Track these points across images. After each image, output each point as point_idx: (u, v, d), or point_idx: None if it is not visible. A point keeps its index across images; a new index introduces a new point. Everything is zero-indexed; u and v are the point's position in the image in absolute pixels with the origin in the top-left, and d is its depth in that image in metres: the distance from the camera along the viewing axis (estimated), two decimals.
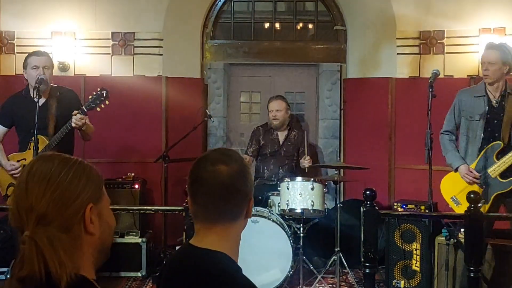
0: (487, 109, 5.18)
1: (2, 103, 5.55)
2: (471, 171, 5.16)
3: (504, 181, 5.08)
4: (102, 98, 5.14)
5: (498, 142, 5.11)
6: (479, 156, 5.17)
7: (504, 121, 5.13)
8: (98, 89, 5.19)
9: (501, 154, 5.10)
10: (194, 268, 1.99)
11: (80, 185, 1.63)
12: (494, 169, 5.09)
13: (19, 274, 1.54)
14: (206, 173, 2.01)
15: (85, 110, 5.15)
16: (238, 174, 2.02)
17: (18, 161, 5.36)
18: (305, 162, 6.65)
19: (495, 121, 5.16)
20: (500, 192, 5.07)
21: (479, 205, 4.93)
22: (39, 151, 5.08)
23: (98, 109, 5.18)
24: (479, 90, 5.28)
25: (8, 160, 5.43)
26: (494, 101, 5.19)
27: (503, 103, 5.17)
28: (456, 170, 5.27)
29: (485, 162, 5.14)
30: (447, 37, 6.95)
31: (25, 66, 5.33)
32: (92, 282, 1.63)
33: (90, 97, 5.18)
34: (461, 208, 5.13)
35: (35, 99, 4.98)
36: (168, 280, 2.09)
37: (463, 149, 5.31)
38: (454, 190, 5.21)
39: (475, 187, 5.14)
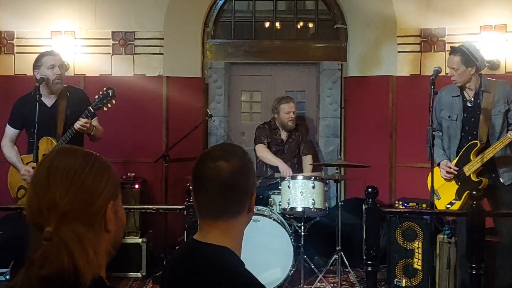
0: (462, 109, 5.27)
1: (13, 105, 5.51)
2: (448, 166, 5.25)
3: (475, 180, 5.14)
4: (109, 98, 5.13)
5: (475, 141, 5.16)
6: (459, 155, 5.25)
7: (480, 119, 5.19)
8: (104, 89, 5.18)
9: (480, 153, 5.14)
10: (197, 262, 1.99)
11: (103, 182, 1.61)
12: (469, 167, 5.16)
13: (40, 273, 1.49)
14: (206, 169, 2.01)
15: (92, 111, 5.14)
16: (238, 170, 2.01)
17: (26, 163, 5.32)
18: None
19: (472, 119, 5.23)
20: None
21: (453, 201, 5.17)
22: (46, 153, 5.05)
23: (105, 108, 5.16)
24: (455, 90, 5.34)
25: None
26: (469, 100, 5.26)
27: (478, 101, 5.23)
28: (438, 165, 5.34)
29: (463, 160, 5.21)
30: (448, 35, 6.91)
31: (37, 66, 5.27)
32: (108, 285, 1.61)
33: (96, 97, 5.17)
34: (440, 202, 5.24)
35: (37, 99, 4.99)
36: (172, 274, 2.09)
37: (446, 148, 5.39)
38: (436, 184, 5.22)
39: (453, 183, 5.26)
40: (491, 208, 5.17)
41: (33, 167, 5.12)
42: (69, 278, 1.49)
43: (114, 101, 5.16)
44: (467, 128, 5.26)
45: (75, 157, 1.61)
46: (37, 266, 1.50)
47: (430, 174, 5.32)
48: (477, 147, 5.14)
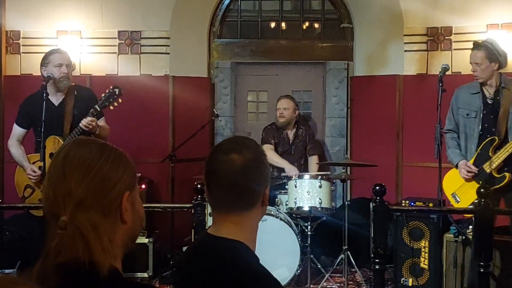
0: (482, 106, 5.21)
1: (20, 104, 5.49)
2: (468, 166, 5.17)
3: (498, 176, 5.08)
4: (115, 96, 5.12)
5: (494, 137, 5.11)
6: (476, 152, 5.18)
7: (499, 116, 5.14)
8: (110, 87, 5.17)
9: (498, 149, 5.09)
10: (210, 257, 1.99)
11: (118, 172, 1.63)
12: (489, 164, 5.09)
13: (56, 261, 1.51)
14: (218, 163, 1.99)
15: (98, 109, 5.13)
16: (251, 163, 1.99)
17: (33, 163, 5.30)
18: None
19: (491, 116, 5.18)
20: (495, 187, 5.01)
21: (475, 201, 5.00)
22: (53, 152, 5.06)
23: (111, 107, 5.16)
24: (474, 87, 5.29)
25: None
26: (489, 97, 5.21)
27: (498, 98, 5.19)
28: (456, 166, 5.28)
29: (482, 158, 5.15)
30: (454, 33, 6.90)
31: (45, 64, 5.24)
32: (124, 277, 1.61)
33: (102, 95, 5.15)
34: (460, 204, 5.17)
35: (44, 97, 4.98)
36: (185, 268, 2.09)
37: (463, 146, 5.33)
38: (454, 186, 5.21)
39: (473, 183, 5.16)
40: (508, 206, 5.11)
41: (39, 167, 5.12)
42: (85, 267, 1.50)
43: (120, 100, 5.15)
44: (486, 125, 5.19)
45: (90, 148, 1.63)
46: (52, 255, 1.52)
47: (447, 176, 5.28)
48: (495, 143, 5.09)
